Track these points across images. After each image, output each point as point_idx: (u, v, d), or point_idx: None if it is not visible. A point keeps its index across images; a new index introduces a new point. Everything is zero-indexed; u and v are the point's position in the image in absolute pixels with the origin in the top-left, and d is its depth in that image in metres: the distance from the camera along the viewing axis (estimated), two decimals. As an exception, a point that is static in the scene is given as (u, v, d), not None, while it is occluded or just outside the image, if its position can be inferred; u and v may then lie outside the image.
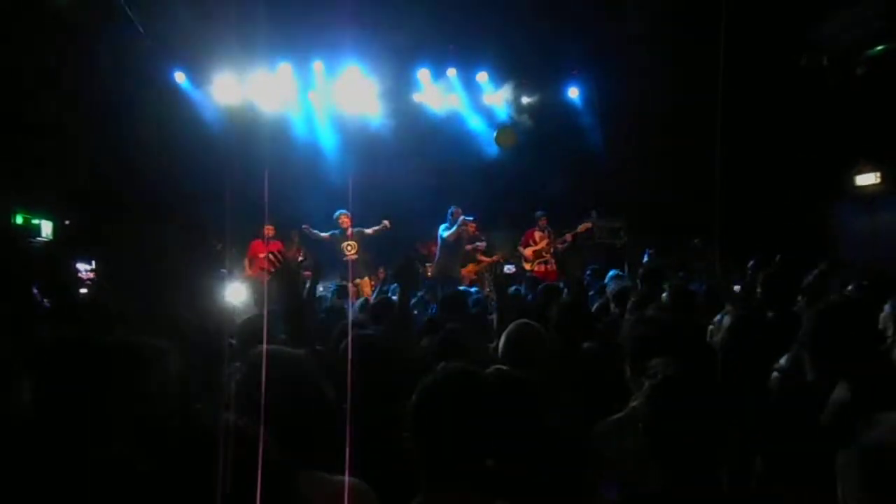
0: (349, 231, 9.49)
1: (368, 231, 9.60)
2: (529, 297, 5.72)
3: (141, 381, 1.78)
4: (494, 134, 10.89)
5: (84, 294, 4.60)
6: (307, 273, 6.44)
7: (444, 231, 9.73)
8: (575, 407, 2.64)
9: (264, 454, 1.33)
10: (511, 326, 3.05)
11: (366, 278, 9.60)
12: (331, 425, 1.86)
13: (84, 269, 7.07)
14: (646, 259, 7.29)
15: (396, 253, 9.84)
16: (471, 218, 9.79)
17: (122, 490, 1.33)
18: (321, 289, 6.88)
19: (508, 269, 10.27)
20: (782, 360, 2.60)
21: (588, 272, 7.15)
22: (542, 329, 3.14)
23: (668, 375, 1.79)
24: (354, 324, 3.37)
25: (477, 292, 6.62)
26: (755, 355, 2.65)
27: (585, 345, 3.41)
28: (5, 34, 7.82)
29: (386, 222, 9.57)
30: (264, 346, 1.89)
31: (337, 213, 9.53)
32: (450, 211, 9.74)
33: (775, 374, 2.56)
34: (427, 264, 10.31)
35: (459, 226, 9.62)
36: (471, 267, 10.42)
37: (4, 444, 1.74)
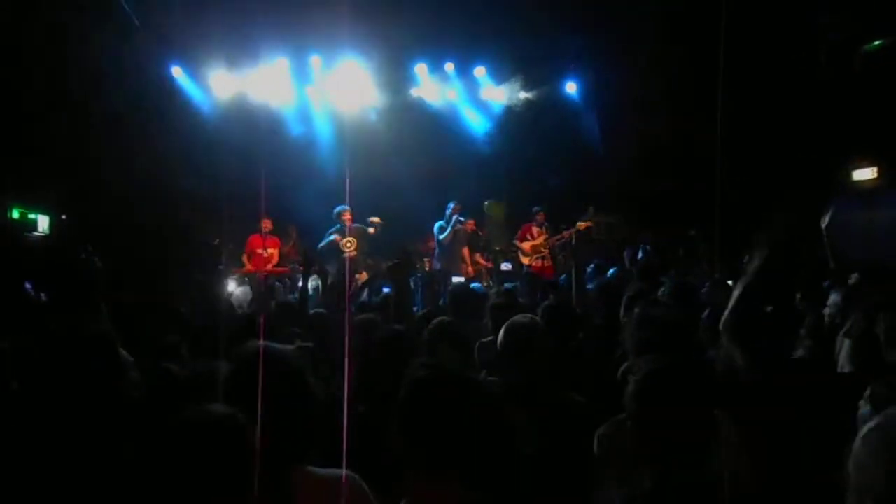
0: (350, 227, 9.31)
1: (370, 230, 9.44)
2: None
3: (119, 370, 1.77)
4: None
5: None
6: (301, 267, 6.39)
7: (438, 232, 9.63)
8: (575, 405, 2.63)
9: (254, 447, 1.32)
10: (509, 320, 3.03)
11: (363, 273, 9.47)
12: (323, 420, 1.85)
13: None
14: (640, 255, 7.24)
15: (391, 247, 9.81)
16: (462, 219, 9.65)
17: (109, 479, 1.32)
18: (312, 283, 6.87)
19: (506, 266, 10.23)
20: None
21: (591, 268, 7.05)
22: (539, 323, 3.12)
23: (652, 370, 1.79)
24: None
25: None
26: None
27: (577, 341, 3.39)
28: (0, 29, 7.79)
29: (377, 219, 9.40)
30: (260, 341, 1.88)
31: (339, 209, 9.25)
32: (448, 206, 9.64)
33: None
34: (425, 258, 10.26)
35: (453, 226, 9.51)
36: (478, 258, 10.27)
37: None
